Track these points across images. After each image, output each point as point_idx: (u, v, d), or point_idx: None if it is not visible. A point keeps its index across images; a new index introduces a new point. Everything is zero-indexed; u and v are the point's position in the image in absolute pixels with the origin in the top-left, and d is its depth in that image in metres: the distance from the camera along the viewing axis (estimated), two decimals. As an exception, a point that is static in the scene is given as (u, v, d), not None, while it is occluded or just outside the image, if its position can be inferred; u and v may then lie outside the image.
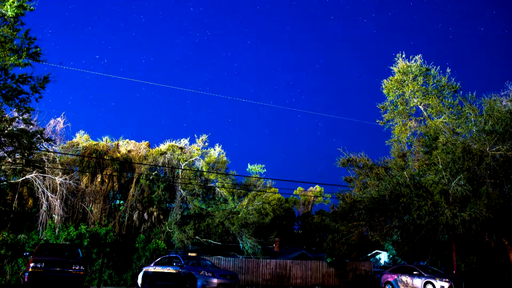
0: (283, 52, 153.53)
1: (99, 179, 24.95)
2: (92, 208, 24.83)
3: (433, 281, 18.10)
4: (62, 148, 24.77)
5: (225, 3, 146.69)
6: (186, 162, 26.45)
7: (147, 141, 28.06)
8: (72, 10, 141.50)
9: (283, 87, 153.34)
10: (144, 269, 16.65)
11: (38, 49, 7.24)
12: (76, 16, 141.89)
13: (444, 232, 22.85)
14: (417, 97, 22.00)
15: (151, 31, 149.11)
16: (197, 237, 25.59)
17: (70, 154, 24.91)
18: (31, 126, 16.69)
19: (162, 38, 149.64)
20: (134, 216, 26.03)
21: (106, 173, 24.97)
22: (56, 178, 21.54)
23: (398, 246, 29.96)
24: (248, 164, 28.29)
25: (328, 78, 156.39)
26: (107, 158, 25.24)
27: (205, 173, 26.69)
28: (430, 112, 21.88)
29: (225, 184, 26.38)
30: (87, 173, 24.61)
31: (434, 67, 22.19)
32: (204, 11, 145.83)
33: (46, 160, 22.42)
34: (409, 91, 21.99)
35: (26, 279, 13.02)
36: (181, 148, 27.49)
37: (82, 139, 27.04)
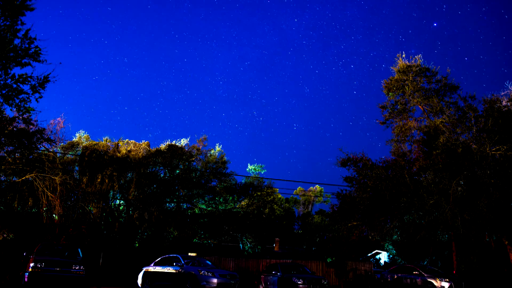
0: (283, 51, 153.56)
1: (99, 179, 24.91)
2: (92, 208, 24.81)
3: (433, 281, 18.04)
4: (62, 148, 24.75)
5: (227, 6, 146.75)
6: (186, 162, 26.44)
7: (147, 141, 28.01)
8: (69, 11, 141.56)
9: (283, 85, 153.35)
10: (144, 269, 16.63)
11: (38, 49, 7.24)
12: (73, 17, 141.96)
13: (444, 232, 22.85)
14: (417, 97, 21.97)
15: (151, 31, 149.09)
16: (197, 237, 25.58)
17: (70, 154, 24.91)
18: (31, 126, 16.69)
19: (162, 38, 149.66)
20: (134, 216, 26.01)
21: (106, 173, 24.92)
22: (56, 178, 21.53)
23: (398, 246, 29.97)
24: (248, 164, 28.37)
25: (327, 77, 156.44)
26: (107, 158, 25.22)
27: (205, 173, 26.68)
28: (430, 112, 21.86)
29: (225, 184, 26.37)
30: (87, 173, 24.57)
31: (435, 67, 22.21)
32: (204, 13, 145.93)
33: (46, 160, 22.39)
34: (409, 91, 21.97)
35: (26, 279, 12.99)
36: (181, 148, 27.47)
37: (82, 139, 27.04)
